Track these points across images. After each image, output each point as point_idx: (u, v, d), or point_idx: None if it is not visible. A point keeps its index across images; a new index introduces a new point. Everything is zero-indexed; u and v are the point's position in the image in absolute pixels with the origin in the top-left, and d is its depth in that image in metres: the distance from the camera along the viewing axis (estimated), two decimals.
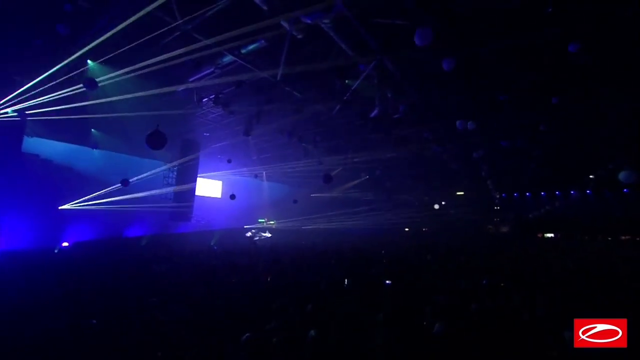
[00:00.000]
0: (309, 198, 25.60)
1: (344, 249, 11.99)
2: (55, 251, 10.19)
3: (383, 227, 26.32)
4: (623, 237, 19.82)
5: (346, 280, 4.55)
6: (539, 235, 21.70)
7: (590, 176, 15.92)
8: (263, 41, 7.75)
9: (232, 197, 16.55)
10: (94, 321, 3.39)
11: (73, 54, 6.28)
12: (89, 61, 6.63)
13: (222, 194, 22.25)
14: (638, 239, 18.33)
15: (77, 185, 13.28)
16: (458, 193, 26.30)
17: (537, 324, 3.19)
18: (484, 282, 4.60)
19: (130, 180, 13.27)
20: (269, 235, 21.66)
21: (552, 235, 21.99)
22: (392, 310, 3.11)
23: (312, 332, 2.67)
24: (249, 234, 20.76)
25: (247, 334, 2.78)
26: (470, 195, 24.63)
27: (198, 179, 17.77)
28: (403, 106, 9.42)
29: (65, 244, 11.72)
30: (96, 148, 13.25)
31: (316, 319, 3.05)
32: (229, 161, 16.00)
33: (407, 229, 29.78)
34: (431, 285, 4.39)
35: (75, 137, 13.19)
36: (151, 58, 7.39)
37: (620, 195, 19.72)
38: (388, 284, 4.32)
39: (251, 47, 8.05)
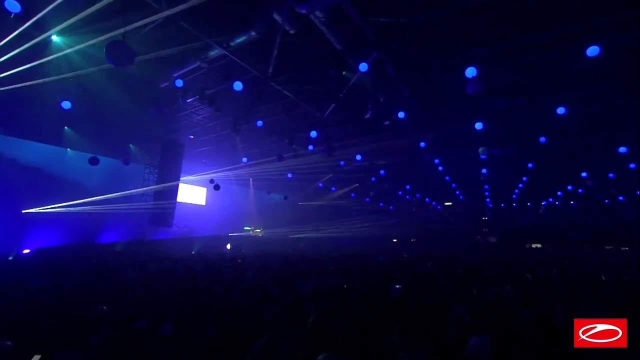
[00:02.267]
0: (297, 206, 25.02)
1: (337, 256, 11.39)
2: (10, 258, 9.15)
3: (370, 237, 25.90)
4: (608, 247, 20.15)
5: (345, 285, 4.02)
6: (527, 245, 21.80)
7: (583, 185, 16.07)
8: (253, 33, 7.30)
9: (217, 187, 15.87)
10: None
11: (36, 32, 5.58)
12: (53, 37, 5.90)
13: (207, 201, 21.34)
14: (624, 248, 18.61)
15: (47, 188, 12.24)
16: (446, 203, 26.29)
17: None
18: (507, 289, 4.15)
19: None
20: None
21: (539, 245, 22.13)
22: (409, 322, 2.59)
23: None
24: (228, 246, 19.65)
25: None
26: (459, 205, 24.65)
27: (181, 185, 16.92)
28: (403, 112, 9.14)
29: (26, 250, 10.63)
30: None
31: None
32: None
33: (394, 240, 29.48)
34: (446, 294, 3.88)
35: (45, 136, 12.23)
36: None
37: (605, 207, 20.14)
38: (397, 288, 3.79)
39: (239, 39, 7.57)
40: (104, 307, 2.74)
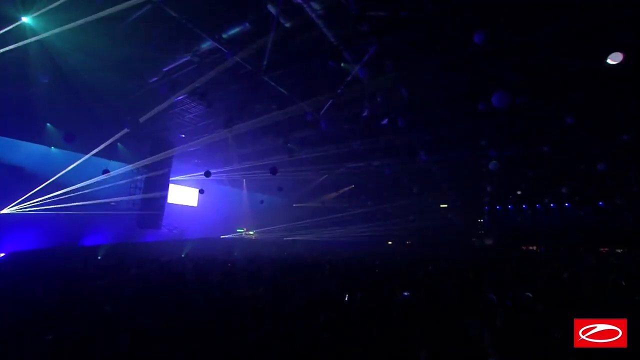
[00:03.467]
0: (292, 208, 24.67)
1: (335, 259, 11.01)
2: None
3: (364, 239, 25.65)
4: (602, 250, 20.16)
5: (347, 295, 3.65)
6: (523, 247, 21.72)
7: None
8: (247, 24, 6.95)
9: (207, 174, 14.86)
10: None
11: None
12: (23, 18, 5.44)
13: (199, 202, 20.83)
14: (618, 250, 18.64)
15: (29, 188, 11.66)
16: (442, 205, 26.13)
17: None
18: (528, 294, 3.84)
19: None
20: None
21: (534, 247, 22.06)
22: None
23: None
24: None
25: None
26: (455, 207, 24.53)
27: (172, 185, 16.43)
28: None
29: (1, 254, 10.04)
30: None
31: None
32: (207, 173, 14.79)
33: (390, 242, 29.24)
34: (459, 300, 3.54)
35: (27, 134, 11.67)
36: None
37: (598, 210, 20.18)
38: (405, 295, 3.47)
39: (233, 31, 7.20)
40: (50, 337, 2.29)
